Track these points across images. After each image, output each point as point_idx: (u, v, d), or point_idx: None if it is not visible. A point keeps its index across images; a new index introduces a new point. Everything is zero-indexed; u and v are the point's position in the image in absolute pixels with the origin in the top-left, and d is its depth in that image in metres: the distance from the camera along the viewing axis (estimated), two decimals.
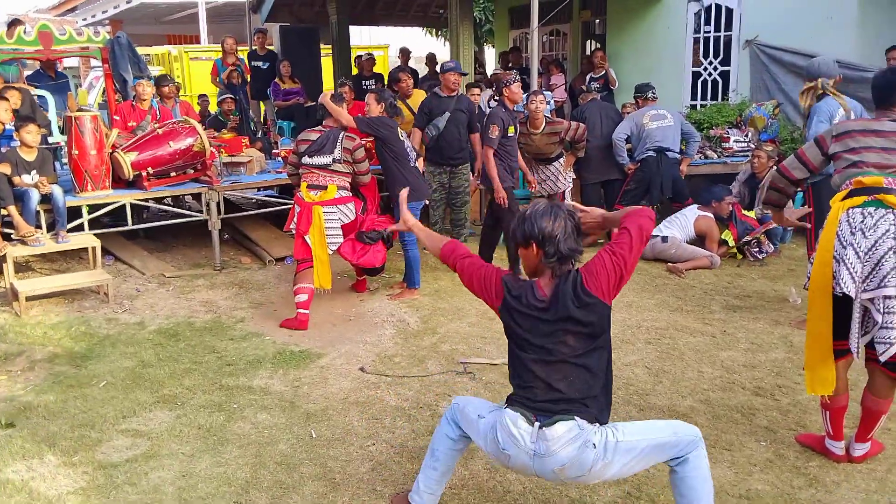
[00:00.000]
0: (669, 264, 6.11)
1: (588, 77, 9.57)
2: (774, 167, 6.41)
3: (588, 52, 11.48)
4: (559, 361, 2.35)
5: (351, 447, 3.30)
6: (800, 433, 3.33)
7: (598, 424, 2.34)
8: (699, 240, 6.40)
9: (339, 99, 5.32)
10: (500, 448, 2.39)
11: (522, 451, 2.34)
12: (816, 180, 4.45)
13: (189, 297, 5.54)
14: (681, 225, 6.42)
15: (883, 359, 2.83)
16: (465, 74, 6.30)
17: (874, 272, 2.78)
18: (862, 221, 2.84)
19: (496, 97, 6.16)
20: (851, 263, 2.81)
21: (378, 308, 5.24)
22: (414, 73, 8.95)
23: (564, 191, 6.74)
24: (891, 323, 2.76)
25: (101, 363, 4.31)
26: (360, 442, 3.35)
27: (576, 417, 2.31)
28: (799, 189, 3.72)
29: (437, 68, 8.18)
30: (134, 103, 7.11)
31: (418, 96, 6.91)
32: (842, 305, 2.87)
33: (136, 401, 3.80)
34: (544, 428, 2.30)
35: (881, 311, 2.78)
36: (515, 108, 5.94)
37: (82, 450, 3.31)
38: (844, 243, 2.86)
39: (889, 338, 2.76)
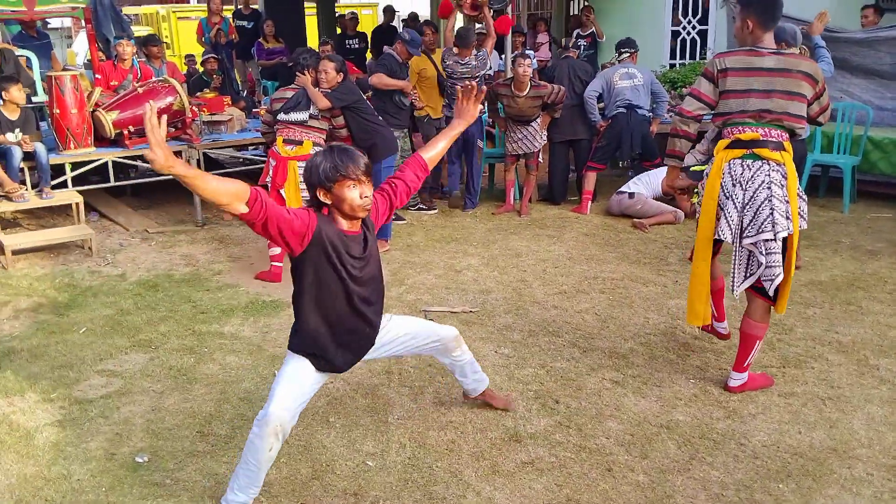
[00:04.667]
0: (635, 220, 6.32)
1: (575, 33, 9.67)
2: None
3: (572, 12, 11.54)
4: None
5: None
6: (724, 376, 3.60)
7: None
8: (668, 197, 6.59)
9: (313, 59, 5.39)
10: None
11: None
12: None
13: (170, 252, 5.76)
14: (647, 182, 6.61)
15: (771, 292, 3.22)
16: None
17: (753, 220, 3.10)
18: (741, 174, 3.16)
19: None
20: (730, 214, 3.17)
21: None
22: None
23: (538, 150, 6.91)
24: (773, 262, 3.11)
25: (82, 312, 4.55)
26: None
27: None
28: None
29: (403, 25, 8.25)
30: (115, 63, 7.24)
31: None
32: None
33: (114, 345, 4.05)
34: None
35: (763, 252, 3.11)
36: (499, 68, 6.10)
37: (60, 388, 3.56)
38: (726, 194, 3.18)
39: (773, 275, 3.13)
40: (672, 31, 9.33)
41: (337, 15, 11.99)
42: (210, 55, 9.09)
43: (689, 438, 3.01)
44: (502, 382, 3.55)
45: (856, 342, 3.88)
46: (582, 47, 9.14)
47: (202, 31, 10.36)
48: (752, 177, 3.12)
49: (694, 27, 9.12)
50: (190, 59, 11.01)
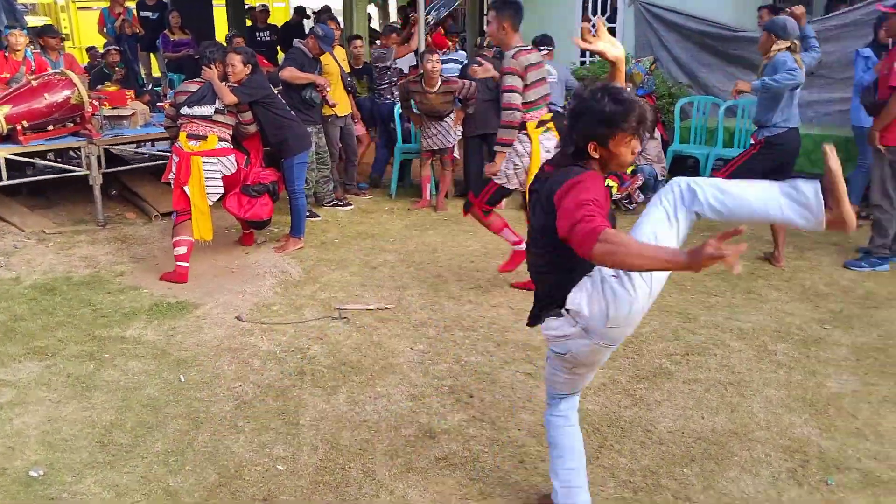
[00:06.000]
0: None
1: (486, 30, 9.72)
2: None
3: (486, 11, 11.63)
4: None
5: (218, 389, 3.44)
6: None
7: None
8: None
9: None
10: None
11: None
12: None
13: (69, 253, 5.48)
14: None
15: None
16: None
17: None
18: (547, 145, 4.26)
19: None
20: None
21: (262, 260, 5.34)
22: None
23: (453, 145, 6.93)
24: None
25: None
26: (228, 384, 3.50)
27: None
28: None
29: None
30: (7, 54, 6.82)
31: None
32: None
33: (6, 353, 3.81)
34: None
35: None
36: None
37: None
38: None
39: None
40: (582, 29, 9.50)
41: (247, 7, 11.68)
42: (112, 47, 8.71)
43: (598, 427, 3.08)
44: (417, 379, 3.53)
45: (755, 329, 4.06)
46: (494, 45, 9.20)
47: (104, 22, 9.91)
48: (550, 145, 4.25)
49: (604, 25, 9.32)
50: (92, 50, 10.51)
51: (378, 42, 7.97)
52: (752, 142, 4.96)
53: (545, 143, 4.38)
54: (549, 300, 2.27)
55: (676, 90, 8.07)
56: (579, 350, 2.24)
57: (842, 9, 7.51)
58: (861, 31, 6.82)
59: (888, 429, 3.06)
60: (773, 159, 4.79)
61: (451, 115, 6.73)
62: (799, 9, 5.48)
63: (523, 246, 4.50)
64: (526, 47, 4.40)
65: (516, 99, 4.26)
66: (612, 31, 9.20)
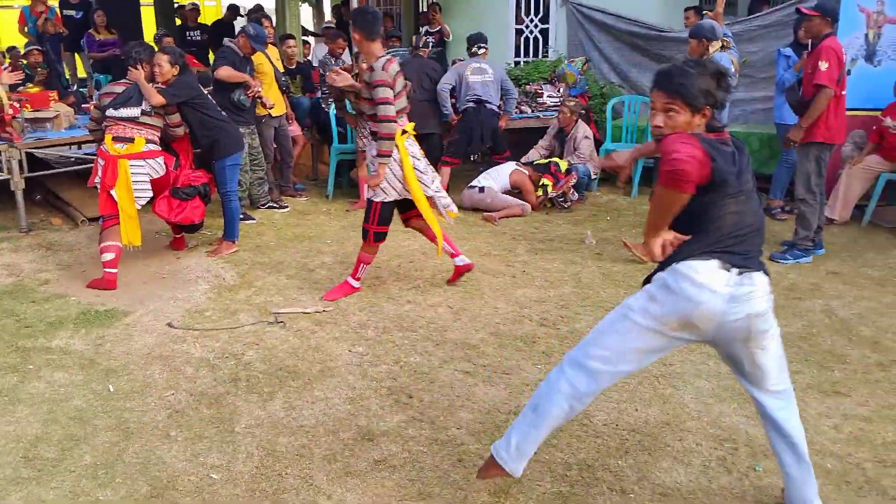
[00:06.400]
0: (485, 213, 6.47)
1: (424, 30, 9.74)
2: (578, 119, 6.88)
3: (421, 9, 11.63)
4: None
5: (149, 398, 3.35)
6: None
7: None
8: (516, 191, 6.80)
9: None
10: (687, 301, 2.25)
11: (717, 296, 2.22)
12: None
13: None
14: (497, 177, 6.78)
15: (453, 221, 4.80)
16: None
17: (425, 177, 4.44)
18: (411, 149, 4.41)
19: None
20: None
21: (194, 265, 5.21)
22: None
23: None
24: (442, 196, 4.56)
25: None
26: (160, 393, 3.40)
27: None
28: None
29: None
30: None
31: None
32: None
33: None
34: (747, 273, 2.25)
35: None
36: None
37: None
38: (415, 165, 4.38)
39: (449, 205, 4.60)
40: (516, 30, 9.62)
41: (176, 6, 11.38)
42: (34, 47, 8.38)
43: None
44: (356, 381, 3.50)
45: None
46: (430, 45, 9.23)
47: (24, 21, 9.52)
48: (417, 151, 4.46)
49: (536, 26, 9.45)
50: (13, 51, 10.07)
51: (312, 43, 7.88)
52: None
53: (410, 149, 4.41)
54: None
55: (608, 90, 8.24)
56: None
57: (764, 10, 7.79)
58: (783, 31, 7.09)
59: (812, 415, 3.18)
60: None
61: None
62: (720, 5, 5.69)
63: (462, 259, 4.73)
64: (388, 54, 4.38)
65: (392, 111, 4.21)
66: (545, 33, 9.38)
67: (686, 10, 8.04)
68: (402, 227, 6.14)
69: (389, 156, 4.31)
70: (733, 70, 4.83)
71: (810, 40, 5.29)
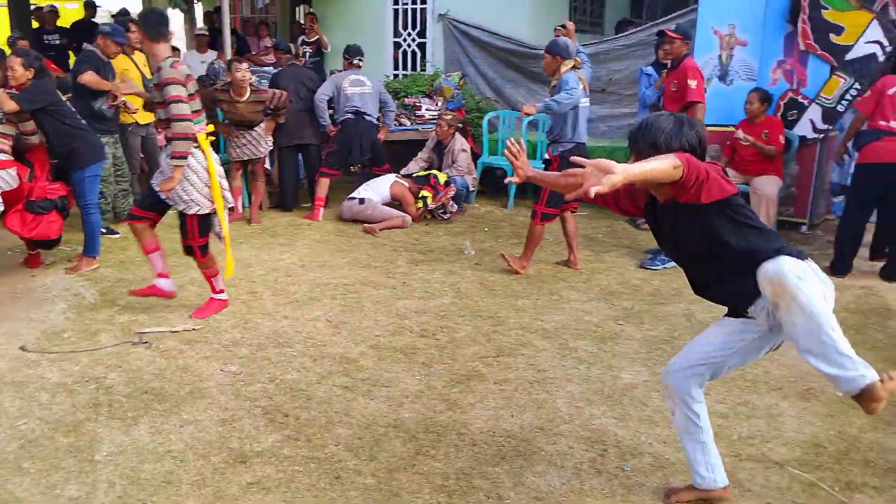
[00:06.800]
0: (365, 225, 6.43)
1: (300, 40, 9.61)
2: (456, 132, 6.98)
3: (298, 17, 11.48)
4: None
5: None
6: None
7: None
8: (396, 203, 6.81)
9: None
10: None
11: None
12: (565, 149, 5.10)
13: None
14: (377, 188, 6.77)
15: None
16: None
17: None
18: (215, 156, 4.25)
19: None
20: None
21: (51, 283, 4.87)
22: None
23: (265, 156, 6.74)
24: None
25: None
26: (11, 422, 3.14)
27: None
28: None
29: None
30: None
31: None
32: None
33: None
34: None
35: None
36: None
37: None
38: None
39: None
40: (394, 43, 9.67)
41: (33, 7, 10.66)
42: None
43: (415, 434, 3.11)
44: (228, 402, 3.37)
45: (558, 328, 4.31)
46: (307, 55, 9.13)
47: None
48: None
49: (414, 40, 9.54)
50: None
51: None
52: (548, 157, 5.25)
53: (215, 156, 4.24)
54: None
55: (484, 104, 8.43)
56: None
57: (630, 29, 8.23)
58: (646, 50, 7.51)
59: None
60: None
61: (262, 125, 6.56)
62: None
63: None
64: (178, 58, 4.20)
65: (185, 109, 3.97)
66: (423, 47, 9.47)
67: (556, 28, 8.35)
68: (278, 241, 6.04)
69: (185, 158, 4.01)
70: (581, 86, 5.04)
71: (670, 60, 5.64)
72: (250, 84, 6.34)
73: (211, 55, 8.99)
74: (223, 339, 4.06)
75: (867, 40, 5.97)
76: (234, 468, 2.86)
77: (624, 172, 2.00)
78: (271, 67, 8.65)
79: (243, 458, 2.92)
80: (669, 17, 7.48)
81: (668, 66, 5.76)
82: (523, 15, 8.81)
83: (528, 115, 5.28)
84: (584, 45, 8.10)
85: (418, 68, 9.36)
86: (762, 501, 2.70)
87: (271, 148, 6.79)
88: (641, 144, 2.37)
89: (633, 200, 2.62)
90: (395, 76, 9.42)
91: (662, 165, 2.10)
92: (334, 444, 3.04)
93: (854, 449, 3.06)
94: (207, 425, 3.17)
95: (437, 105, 7.92)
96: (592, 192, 1.98)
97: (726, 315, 2.56)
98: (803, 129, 6.34)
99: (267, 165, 6.91)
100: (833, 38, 6.07)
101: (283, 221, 6.68)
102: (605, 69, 7.89)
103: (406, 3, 9.46)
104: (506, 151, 2.84)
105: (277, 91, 6.52)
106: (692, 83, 5.25)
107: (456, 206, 6.87)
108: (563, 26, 8.02)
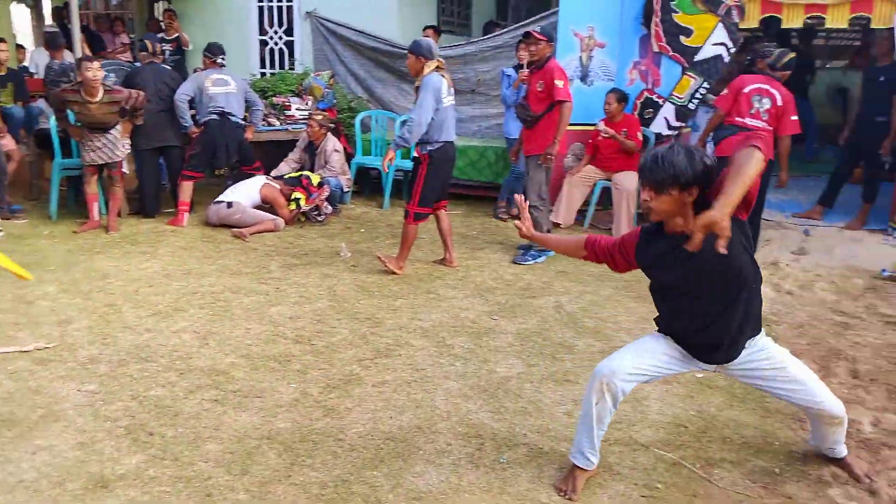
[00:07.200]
0: (234, 230, 6.21)
1: (159, 37, 9.15)
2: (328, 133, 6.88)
3: (156, 14, 10.94)
4: None
5: None
6: None
7: None
8: (267, 206, 6.62)
9: None
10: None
11: None
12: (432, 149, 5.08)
13: None
14: (246, 191, 6.55)
15: None
16: None
17: None
18: None
19: None
20: None
21: None
22: None
23: (122, 159, 6.36)
24: None
25: None
26: None
27: None
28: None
29: None
30: None
31: None
32: None
33: None
34: None
35: None
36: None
37: None
38: None
39: None
40: (260, 41, 9.40)
41: None
42: None
43: (290, 445, 3.02)
44: (86, 424, 3.15)
45: (435, 326, 4.33)
46: (167, 52, 8.70)
47: None
48: None
49: (281, 38, 9.31)
50: None
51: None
52: (416, 156, 5.26)
53: None
54: None
55: (356, 104, 8.34)
56: None
57: (496, 31, 8.40)
58: (513, 51, 7.67)
59: (547, 403, 3.45)
60: (440, 171, 5.16)
61: (118, 127, 6.19)
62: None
63: None
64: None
65: None
66: (290, 45, 9.27)
67: (425, 29, 8.41)
68: (140, 249, 5.71)
69: None
70: (447, 86, 5.08)
71: (534, 61, 5.79)
72: (103, 84, 5.96)
73: (67, 55, 8.38)
74: (79, 356, 3.79)
75: (714, 42, 6.41)
76: (94, 494, 2.67)
77: (725, 208, 2.11)
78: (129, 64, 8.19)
79: (104, 483, 2.73)
80: (533, 19, 7.69)
81: (524, 66, 5.94)
82: (392, 14, 8.80)
83: (392, 161, 5.23)
84: (452, 46, 8.23)
85: (287, 67, 9.15)
86: (630, 483, 2.82)
87: (129, 151, 6.41)
88: (661, 178, 2.40)
89: (623, 257, 2.73)
90: (263, 74, 9.16)
91: (756, 167, 2.21)
92: (203, 461, 2.90)
93: (712, 427, 3.26)
94: (63, 450, 2.94)
95: (307, 104, 7.76)
96: (723, 248, 2.11)
97: (680, 346, 2.73)
98: (659, 126, 6.72)
99: (125, 169, 6.51)
100: (683, 40, 6.47)
101: (145, 228, 6.34)
102: (474, 70, 8.01)
103: (271, 1, 9.22)
104: (515, 211, 2.95)
105: (134, 91, 6.17)
106: (559, 83, 5.42)
107: (330, 207, 6.76)
108: (432, 28, 8.15)
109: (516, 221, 2.97)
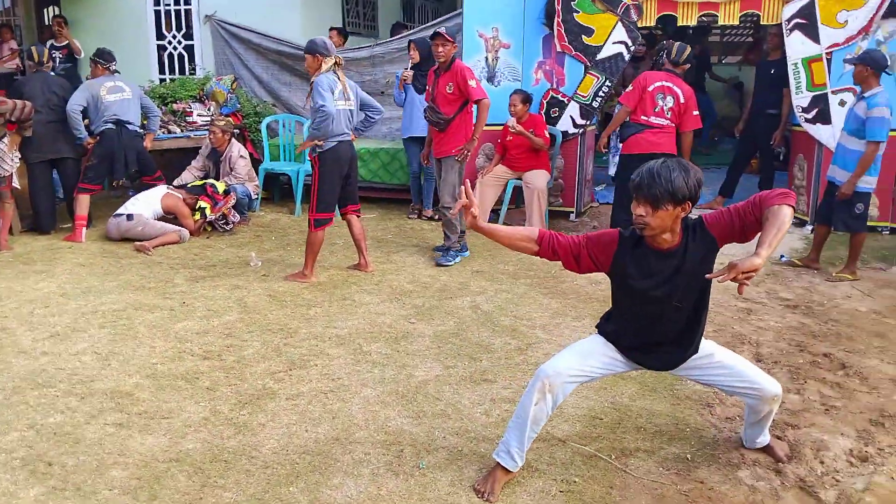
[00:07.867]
0: (136, 243, 5.94)
1: (49, 44, 8.69)
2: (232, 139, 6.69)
3: (46, 21, 10.39)
4: None
5: None
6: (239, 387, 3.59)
7: None
8: (171, 217, 6.37)
9: None
10: None
11: None
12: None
13: None
14: (147, 202, 6.29)
15: None
16: None
17: None
18: None
19: None
20: None
21: None
22: None
23: (11, 173, 5.99)
24: None
25: None
26: None
27: None
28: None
29: None
30: None
31: None
32: None
33: None
34: None
35: None
36: None
37: None
38: None
39: None
40: (158, 46, 9.06)
41: None
42: None
43: (201, 466, 2.89)
44: None
45: (351, 333, 4.26)
46: (58, 60, 8.27)
47: None
48: None
49: (180, 42, 9.00)
50: None
51: None
52: (309, 159, 5.16)
53: None
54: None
55: (262, 109, 8.15)
56: None
57: (403, 32, 8.37)
58: None
59: (466, 405, 3.44)
60: (332, 172, 5.05)
61: (5, 140, 5.82)
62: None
63: None
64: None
65: None
66: (190, 49, 8.96)
67: (330, 29, 8.30)
68: (34, 268, 5.39)
69: None
70: (340, 88, 5.01)
71: (441, 62, 5.78)
72: None
73: None
74: None
75: (614, 41, 6.58)
76: None
77: (766, 258, 2.31)
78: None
79: None
80: (439, 20, 7.71)
81: (417, 66, 5.98)
82: (294, 16, 8.64)
83: (303, 150, 5.15)
84: (360, 48, 8.16)
85: (187, 72, 8.84)
86: (549, 478, 2.84)
87: (18, 164, 6.04)
88: (658, 193, 2.41)
89: (593, 261, 2.68)
90: (162, 80, 8.83)
91: (787, 223, 2.37)
92: (108, 489, 2.74)
93: (626, 417, 3.33)
94: None
95: (209, 110, 7.52)
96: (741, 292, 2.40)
97: (623, 353, 2.79)
98: (565, 124, 6.85)
99: (15, 184, 6.13)
100: (585, 39, 6.61)
101: (39, 245, 5.99)
102: (382, 72, 7.96)
103: (168, 4, 8.89)
104: (460, 204, 2.70)
105: (20, 101, 5.81)
106: (472, 83, 5.42)
107: (238, 215, 6.57)
108: (337, 30, 8.06)
109: (470, 210, 2.71)
